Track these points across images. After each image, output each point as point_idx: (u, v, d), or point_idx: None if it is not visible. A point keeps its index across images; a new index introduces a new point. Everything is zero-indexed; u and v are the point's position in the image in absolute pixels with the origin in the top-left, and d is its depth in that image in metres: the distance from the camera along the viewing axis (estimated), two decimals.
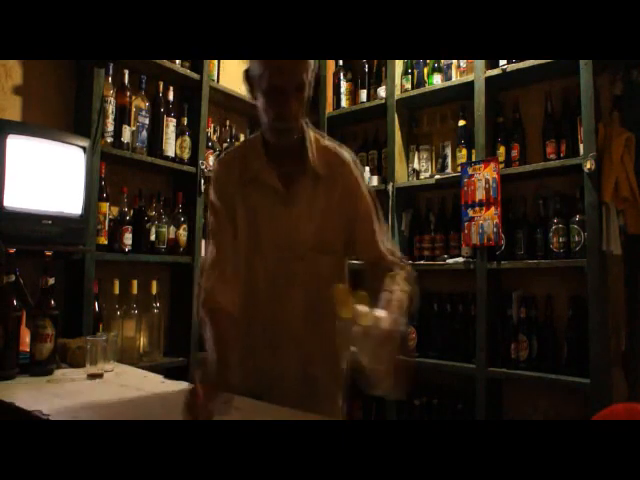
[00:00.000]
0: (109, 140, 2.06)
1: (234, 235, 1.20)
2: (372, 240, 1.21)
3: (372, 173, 2.81)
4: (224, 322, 1.10)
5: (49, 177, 1.78)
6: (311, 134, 1.23)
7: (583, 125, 2.06)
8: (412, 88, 2.66)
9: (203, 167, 2.41)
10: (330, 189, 1.20)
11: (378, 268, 1.18)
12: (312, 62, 1.09)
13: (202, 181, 2.40)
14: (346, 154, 1.25)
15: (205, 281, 1.17)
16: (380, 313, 0.92)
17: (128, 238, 2.12)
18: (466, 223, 2.36)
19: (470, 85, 2.40)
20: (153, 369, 1.66)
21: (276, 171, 1.19)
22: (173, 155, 2.33)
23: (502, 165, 2.32)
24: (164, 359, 2.27)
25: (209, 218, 1.25)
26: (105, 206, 2.04)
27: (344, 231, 1.21)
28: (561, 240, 2.14)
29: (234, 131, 2.70)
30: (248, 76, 1.14)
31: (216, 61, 2.58)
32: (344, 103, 2.95)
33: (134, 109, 2.18)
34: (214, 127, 2.65)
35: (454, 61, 2.54)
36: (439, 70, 2.59)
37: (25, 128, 1.79)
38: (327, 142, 1.26)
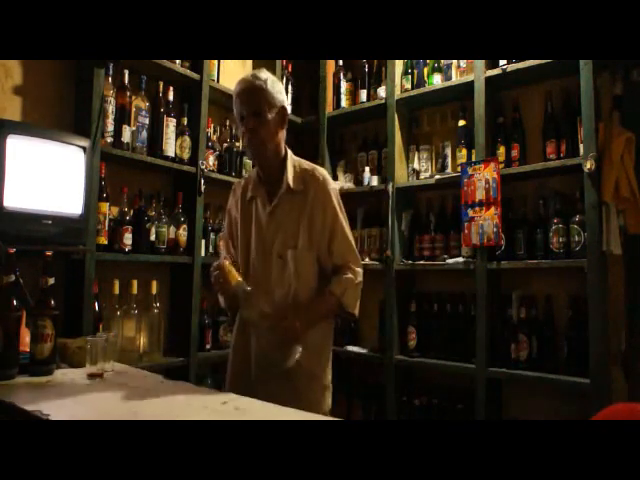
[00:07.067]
0: (109, 140, 2.06)
1: (236, 236, 1.57)
2: (329, 246, 1.49)
3: (372, 173, 2.81)
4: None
5: (49, 177, 1.78)
6: (293, 160, 1.52)
7: (583, 125, 2.06)
8: (412, 88, 2.66)
9: (203, 167, 2.41)
10: (303, 201, 1.48)
11: (334, 268, 1.50)
12: (271, 92, 1.39)
13: (202, 181, 2.40)
14: (319, 173, 1.51)
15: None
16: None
17: (128, 238, 2.12)
18: (466, 223, 2.36)
19: (470, 85, 2.40)
20: (153, 369, 1.66)
21: (265, 189, 1.51)
22: (173, 155, 2.33)
23: (502, 165, 2.32)
24: (164, 359, 2.27)
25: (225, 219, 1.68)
26: (105, 206, 2.04)
27: (316, 233, 1.47)
28: (561, 240, 2.14)
29: (234, 131, 2.69)
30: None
31: (216, 61, 2.58)
32: (344, 103, 2.95)
33: (134, 109, 2.18)
34: (214, 127, 2.65)
35: (454, 61, 2.54)
36: (439, 70, 2.59)
37: (25, 128, 1.79)
38: (306, 165, 1.54)
